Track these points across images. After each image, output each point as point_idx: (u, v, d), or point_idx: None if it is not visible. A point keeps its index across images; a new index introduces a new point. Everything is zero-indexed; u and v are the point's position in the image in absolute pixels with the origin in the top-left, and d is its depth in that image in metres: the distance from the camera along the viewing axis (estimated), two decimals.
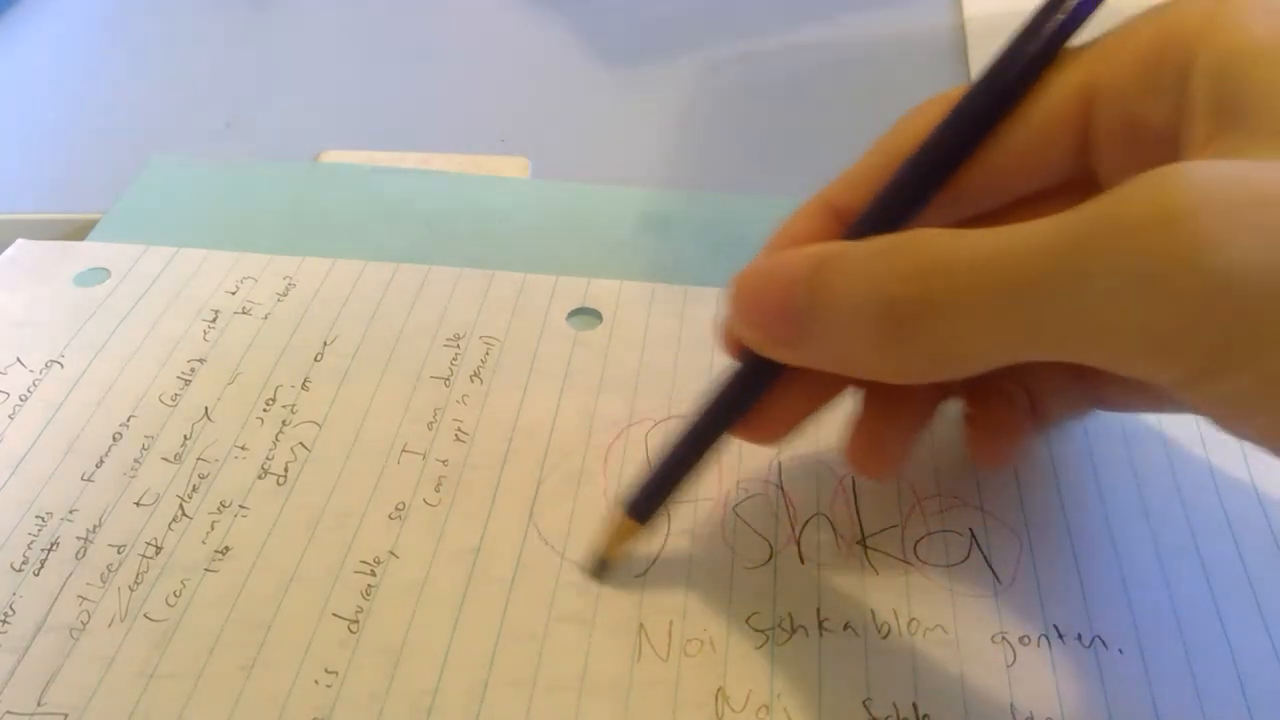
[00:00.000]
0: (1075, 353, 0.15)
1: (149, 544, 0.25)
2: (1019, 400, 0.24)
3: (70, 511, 0.26)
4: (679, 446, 0.23)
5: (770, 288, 0.19)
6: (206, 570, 0.24)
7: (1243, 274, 0.13)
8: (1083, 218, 0.15)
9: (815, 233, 0.22)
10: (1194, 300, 0.13)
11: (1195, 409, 0.16)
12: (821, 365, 0.19)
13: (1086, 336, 0.15)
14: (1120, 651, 0.23)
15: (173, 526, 0.25)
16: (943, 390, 0.24)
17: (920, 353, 0.17)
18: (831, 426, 0.28)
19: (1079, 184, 0.20)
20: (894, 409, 0.23)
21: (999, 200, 0.21)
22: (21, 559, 0.25)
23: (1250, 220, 0.13)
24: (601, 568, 0.24)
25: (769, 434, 0.23)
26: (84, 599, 0.24)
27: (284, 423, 0.28)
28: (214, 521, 0.25)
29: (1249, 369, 0.14)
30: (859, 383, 0.23)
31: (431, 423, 0.28)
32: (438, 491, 0.26)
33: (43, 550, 0.25)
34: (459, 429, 0.28)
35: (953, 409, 0.25)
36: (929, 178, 0.20)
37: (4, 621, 0.23)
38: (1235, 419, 0.15)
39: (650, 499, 0.23)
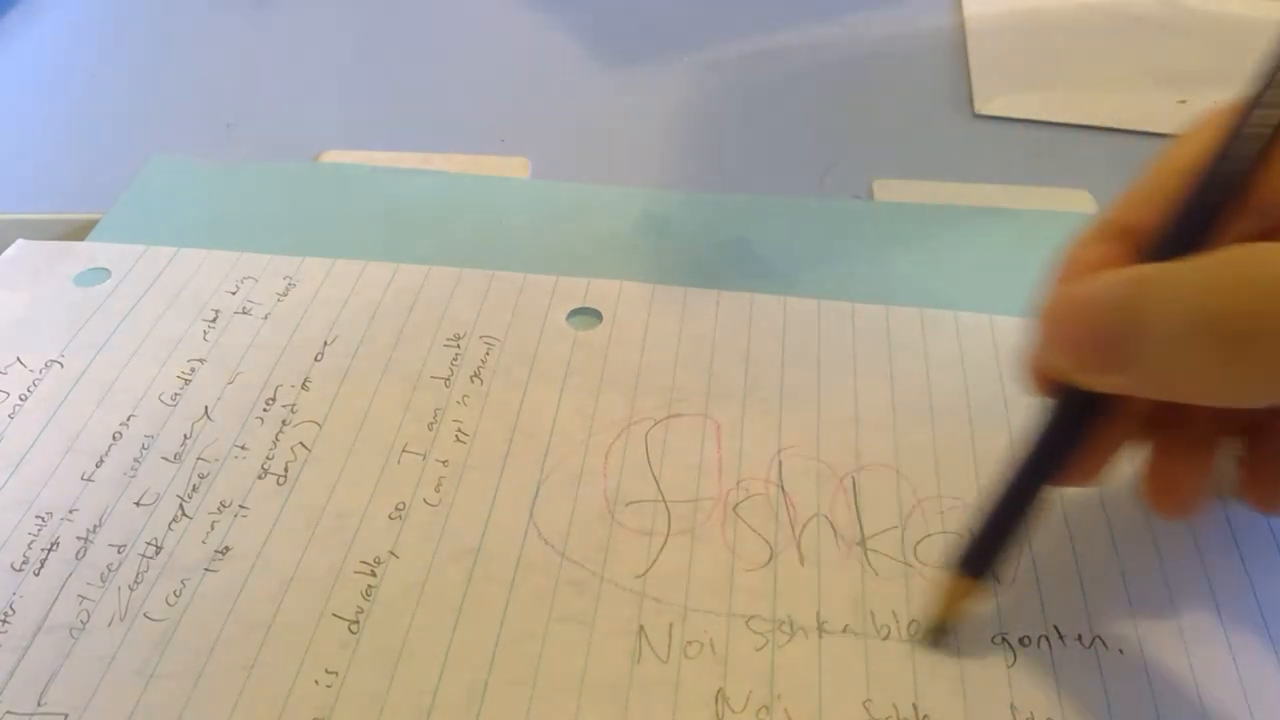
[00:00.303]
0: None
1: (149, 544, 0.25)
2: None
3: (70, 511, 0.26)
4: (1006, 495, 0.22)
5: (1087, 312, 0.19)
6: (206, 570, 0.24)
7: None
8: None
9: (1109, 256, 0.21)
10: None
11: None
12: (1145, 391, 0.19)
13: None
14: (1120, 652, 0.23)
15: (173, 526, 0.25)
16: (1224, 428, 0.23)
17: (1258, 369, 0.16)
18: (831, 427, 0.28)
19: None
20: (1182, 447, 0.22)
21: None
22: (21, 559, 0.25)
23: None
24: (940, 633, 0.23)
25: (1087, 474, 0.22)
26: (84, 599, 0.24)
27: (284, 422, 0.28)
28: (214, 521, 0.25)
29: None
30: (1169, 411, 0.22)
31: (432, 423, 0.28)
32: (438, 491, 0.26)
33: (43, 550, 0.25)
34: (459, 429, 0.28)
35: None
36: (1229, 187, 0.19)
37: (4, 621, 0.23)
38: None
39: (983, 553, 0.23)
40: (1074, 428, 0.21)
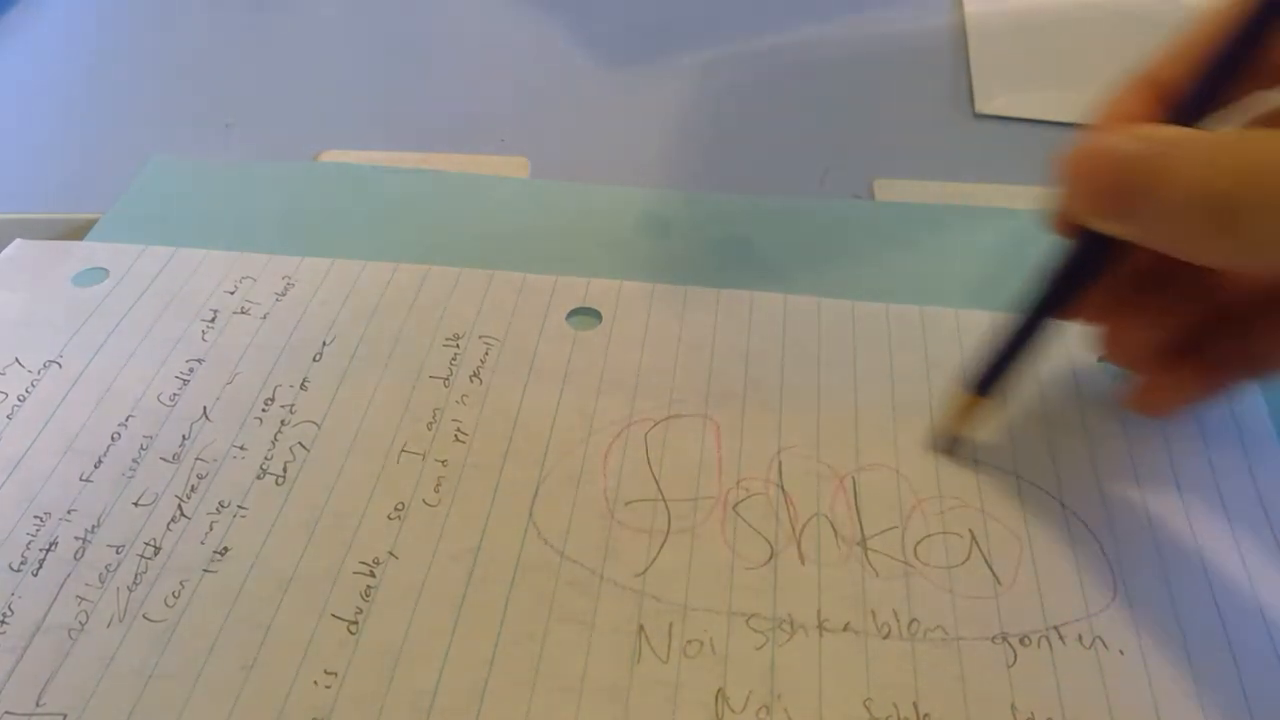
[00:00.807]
0: None
1: (148, 544, 0.25)
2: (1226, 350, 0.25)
3: (69, 511, 0.26)
4: (1017, 323, 0.25)
5: (1107, 164, 0.21)
6: (205, 571, 0.24)
7: None
8: None
9: (1140, 110, 0.23)
10: None
11: None
12: (1149, 242, 0.21)
13: None
14: (1120, 652, 0.23)
15: (171, 527, 0.25)
16: (1201, 306, 0.25)
17: (1246, 242, 0.19)
18: (831, 427, 0.28)
19: None
20: (1158, 306, 0.25)
21: None
22: (20, 559, 0.25)
23: None
24: (952, 443, 0.26)
25: (1090, 314, 0.25)
26: (82, 599, 0.24)
27: (283, 422, 0.28)
28: (213, 522, 0.25)
29: None
30: (1174, 267, 0.24)
31: (431, 423, 0.28)
32: (437, 491, 0.26)
33: (41, 550, 0.25)
34: (458, 429, 0.28)
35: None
36: (1244, 49, 0.21)
37: (2, 622, 0.23)
38: None
39: (991, 374, 0.26)
40: (1085, 267, 0.24)
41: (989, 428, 0.27)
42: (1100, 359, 0.27)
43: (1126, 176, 0.20)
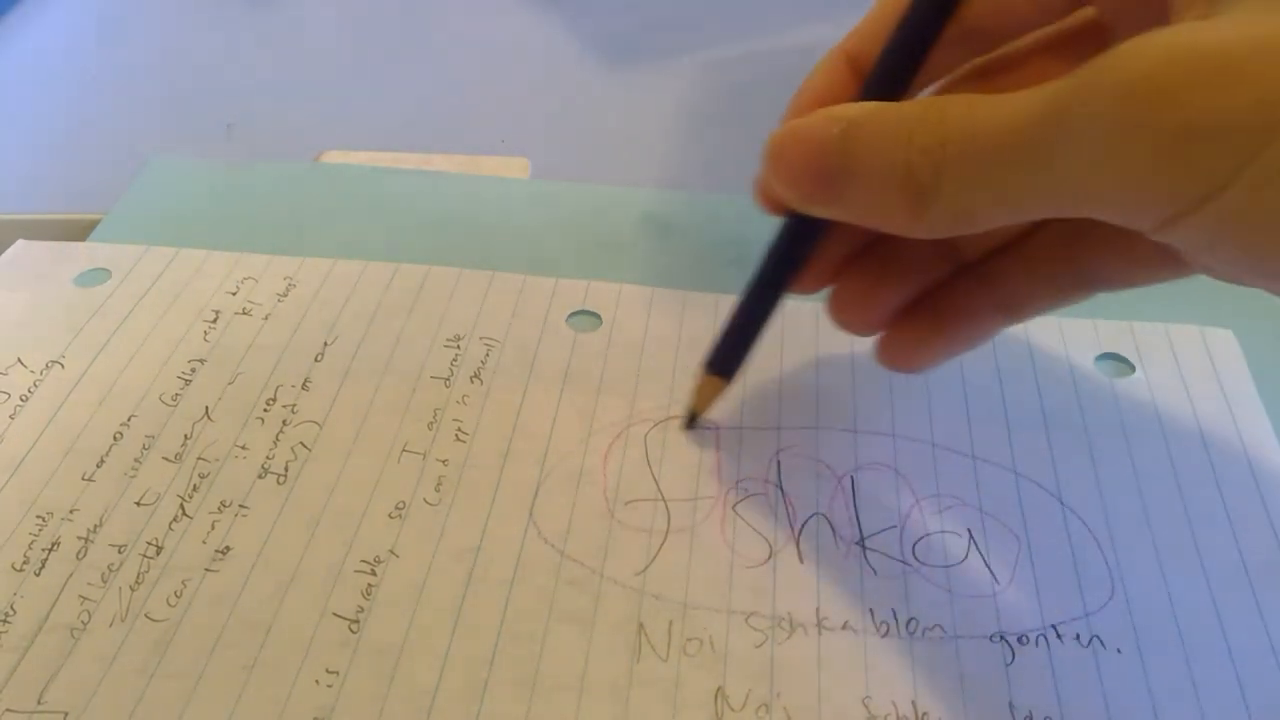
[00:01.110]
0: (1069, 205, 0.17)
1: (150, 544, 0.25)
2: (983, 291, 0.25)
3: (71, 511, 0.26)
4: (744, 303, 0.25)
5: (803, 150, 0.21)
6: (207, 570, 0.24)
7: (1196, 123, 0.15)
8: (1068, 85, 0.17)
9: (835, 88, 0.23)
10: (1162, 146, 0.16)
11: (1180, 250, 0.18)
12: (854, 220, 0.21)
13: (1076, 190, 0.17)
14: (1119, 651, 0.23)
15: (173, 526, 0.25)
16: (935, 266, 0.25)
17: (940, 213, 0.19)
18: (830, 427, 0.28)
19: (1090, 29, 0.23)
20: (889, 272, 0.25)
21: (1010, 34, 0.23)
22: (22, 559, 0.25)
23: (1204, 78, 0.15)
24: (692, 419, 0.28)
25: (813, 286, 0.25)
26: (85, 599, 0.24)
27: (284, 422, 0.28)
28: (214, 521, 0.25)
29: (1210, 205, 0.16)
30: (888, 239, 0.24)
31: (432, 423, 0.28)
32: (438, 491, 0.26)
33: (43, 550, 0.25)
34: (459, 429, 0.28)
35: None
36: (927, 28, 0.22)
37: (4, 621, 0.23)
38: (1205, 253, 0.17)
39: (727, 355, 0.26)
40: (800, 244, 0.24)
41: (723, 405, 0.28)
42: (839, 325, 0.26)
43: (822, 160, 0.20)
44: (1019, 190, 0.18)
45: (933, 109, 0.19)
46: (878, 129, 0.20)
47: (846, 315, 0.25)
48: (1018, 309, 0.25)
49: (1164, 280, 0.23)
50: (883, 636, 0.23)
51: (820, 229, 0.23)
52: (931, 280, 0.25)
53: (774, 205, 0.24)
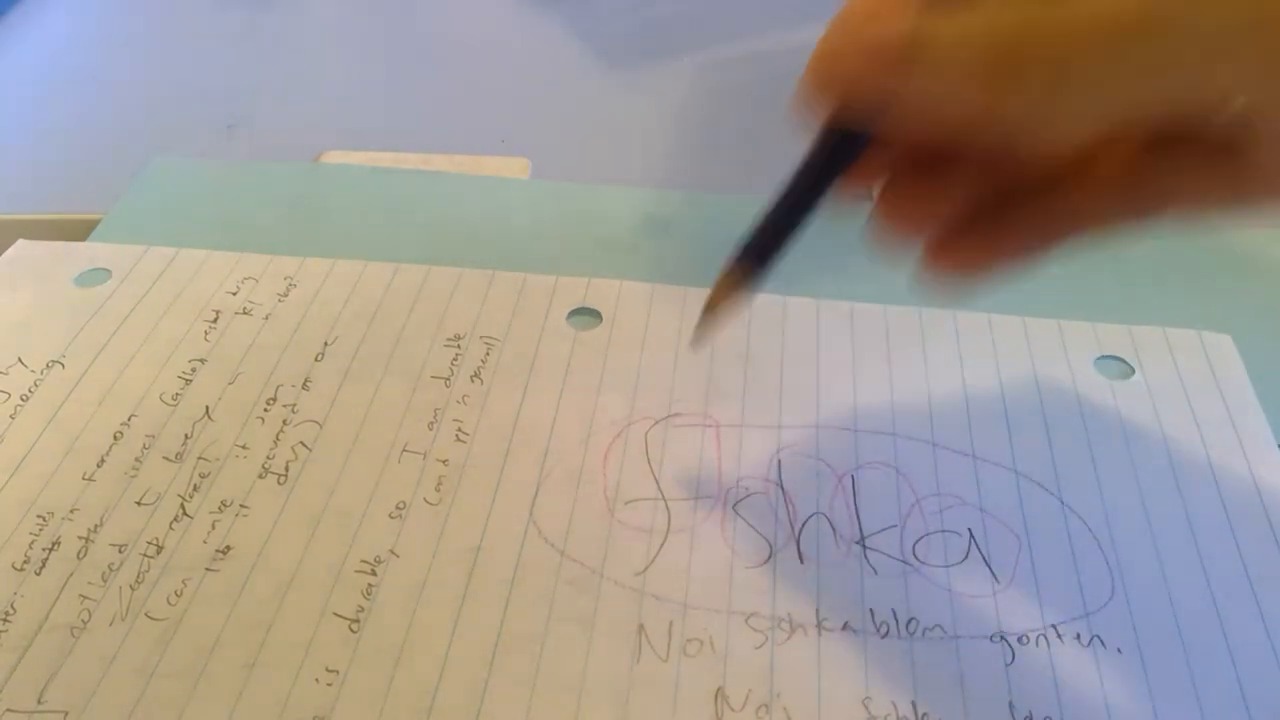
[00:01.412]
0: (1184, 86, 0.17)
1: (150, 543, 0.25)
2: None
3: (71, 511, 0.26)
4: (786, 198, 0.24)
5: (874, 24, 0.19)
6: (207, 569, 0.24)
7: None
8: None
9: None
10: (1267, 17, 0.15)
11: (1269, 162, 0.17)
12: (921, 106, 0.19)
13: (1191, 71, 0.16)
14: (1119, 651, 0.23)
15: (174, 526, 0.25)
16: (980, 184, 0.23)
17: (1026, 98, 0.18)
18: (830, 426, 0.28)
19: None
20: (936, 182, 0.23)
21: None
22: (23, 558, 0.25)
23: None
24: (711, 314, 0.24)
25: (857, 193, 0.24)
26: (85, 598, 0.24)
27: (285, 422, 0.28)
28: (215, 521, 0.25)
29: None
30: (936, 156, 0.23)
31: (432, 422, 0.28)
32: (438, 491, 0.26)
33: (44, 549, 0.25)
34: (459, 429, 0.28)
35: None
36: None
37: (5, 620, 0.23)
38: None
39: (761, 246, 0.24)
40: (847, 150, 0.23)
41: (742, 307, 0.25)
42: (878, 239, 0.24)
43: (897, 35, 0.19)
44: (1125, 75, 0.17)
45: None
46: (955, 10, 0.18)
47: (897, 209, 0.24)
48: (1077, 226, 0.23)
49: (1225, 208, 0.21)
50: (883, 637, 0.23)
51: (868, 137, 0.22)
52: (989, 191, 0.23)
53: (826, 92, 0.22)
